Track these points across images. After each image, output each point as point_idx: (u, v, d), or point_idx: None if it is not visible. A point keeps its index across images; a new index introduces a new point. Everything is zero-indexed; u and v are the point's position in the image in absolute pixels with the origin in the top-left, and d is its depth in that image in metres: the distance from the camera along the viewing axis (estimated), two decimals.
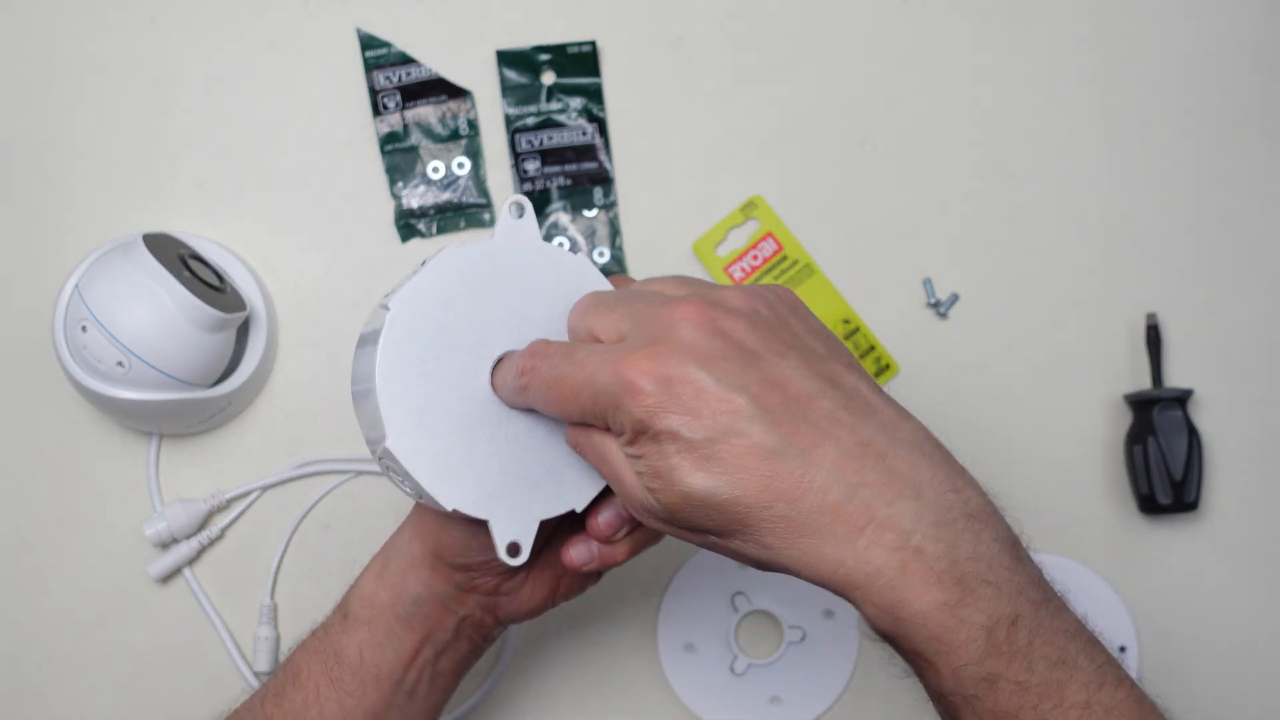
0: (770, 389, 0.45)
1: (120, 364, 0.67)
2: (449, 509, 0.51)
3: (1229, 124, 0.80)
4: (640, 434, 0.45)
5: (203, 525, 0.75)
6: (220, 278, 0.72)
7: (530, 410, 0.52)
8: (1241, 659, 0.78)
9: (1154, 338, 0.77)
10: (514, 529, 0.52)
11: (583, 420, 0.48)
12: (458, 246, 0.52)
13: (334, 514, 0.77)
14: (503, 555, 0.52)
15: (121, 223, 0.76)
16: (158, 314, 0.67)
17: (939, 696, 0.47)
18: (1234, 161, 0.80)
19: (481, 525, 0.52)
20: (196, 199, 0.77)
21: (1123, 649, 0.77)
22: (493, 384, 0.52)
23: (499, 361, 0.52)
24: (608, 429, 0.47)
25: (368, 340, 0.52)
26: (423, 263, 0.53)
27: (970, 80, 0.80)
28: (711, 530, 0.46)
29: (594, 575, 0.61)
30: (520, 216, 0.53)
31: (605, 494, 0.53)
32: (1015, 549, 0.48)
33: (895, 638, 0.45)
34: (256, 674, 0.75)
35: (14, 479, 0.76)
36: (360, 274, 0.77)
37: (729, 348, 0.45)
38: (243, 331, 0.74)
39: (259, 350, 0.74)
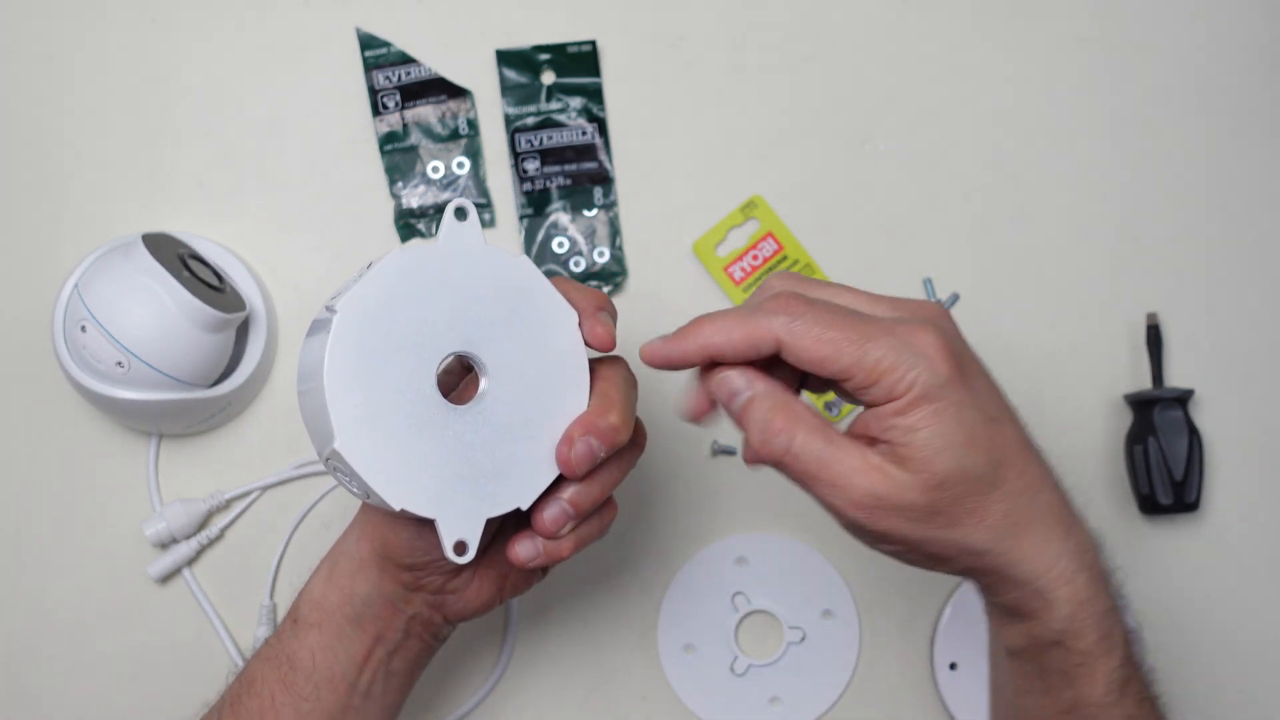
0: (1003, 399, 0.51)
1: (120, 364, 0.67)
2: (396, 509, 0.52)
3: (1229, 124, 0.80)
4: (923, 399, 0.48)
5: (202, 525, 0.75)
6: (220, 278, 0.72)
7: (475, 408, 0.53)
8: (1241, 659, 0.78)
9: (1154, 338, 0.77)
10: (461, 528, 0.53)
11: (840, 375, 0.49)
12: (402, 249, 0.53)
13: (334, 514, 0.77)
14: (450, 554, 0.52)
15: (121, 223, 0.76)
16: (157, 314, 0.67)
17: (1077, 708, 0.51)
18: (1234, 162, 0.80)
19: (428, 524, 0.53)
20: (196, 199, 0.77)
21: None
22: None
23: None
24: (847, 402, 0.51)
25: (315, 342, 0.52)
26: (369, 265, 0.53)
27: (970, 80, 0.80)
28: (942, 516, 0.49)
29: (540, 571, 0.62)
30: (464, 220, 0.54)
31: (548, 490, 0.54)
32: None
33: (1074, 637, 0.50)
34: None
35: (14, 479, 0.76)
36: None
37: (971, 357, 0.51)
38: (243, 331, 0.74)
39: (259, 350, 0.74)
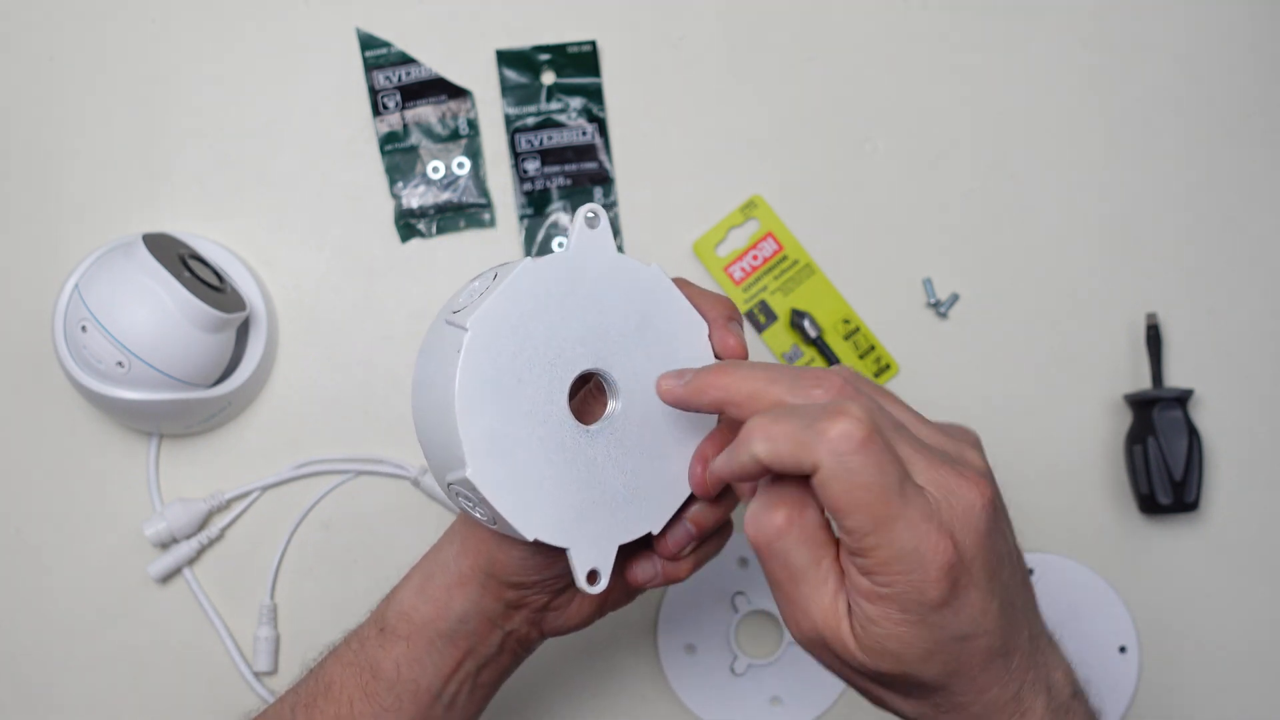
0: (1006, 607, 0.47)
1: (120, 364, 0.67)
2: (530, 539, 0.49)
3: (1230, 124, 0.80)
4: (897, 606, 0.44)
5: (203, 525, 0.75)
6: (220, 278, 0.72)
7: (606, 429, 0.50)
8: (1241, 659, 0.78)
9: (1154, 337, 0.77)
10: (593, 556, 0.50)
11: (840, 530, 0.45)
12: (534, 259, 0.49)
13: (334, 514, 0.77)
14: (582, 585, 0.50)
15: (121, 223, 0.76)
16: (158, 314, 0.67)
17: None
18: (1234, 162, 0.80)
19: (548, 548, 0.50)
20: (196, 199, 0.77)
21: (1123, 649, 0.77)
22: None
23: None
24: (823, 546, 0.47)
25: (438, 361, 0.49)
26: (494, 275, 0.50)
27: (970, 80, 0.80)
28: (878, 689, 0.48)
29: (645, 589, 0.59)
30: (595, 227, 0.51)
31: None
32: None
33: None
34: (256, 674, 0.75)
35: (14, 479, 0.76)
36: (360, 274, 0.77)
37: (1000, 553, 0.47)
38: (243, 331, 0.74)
39: (259, 350, 0.74)
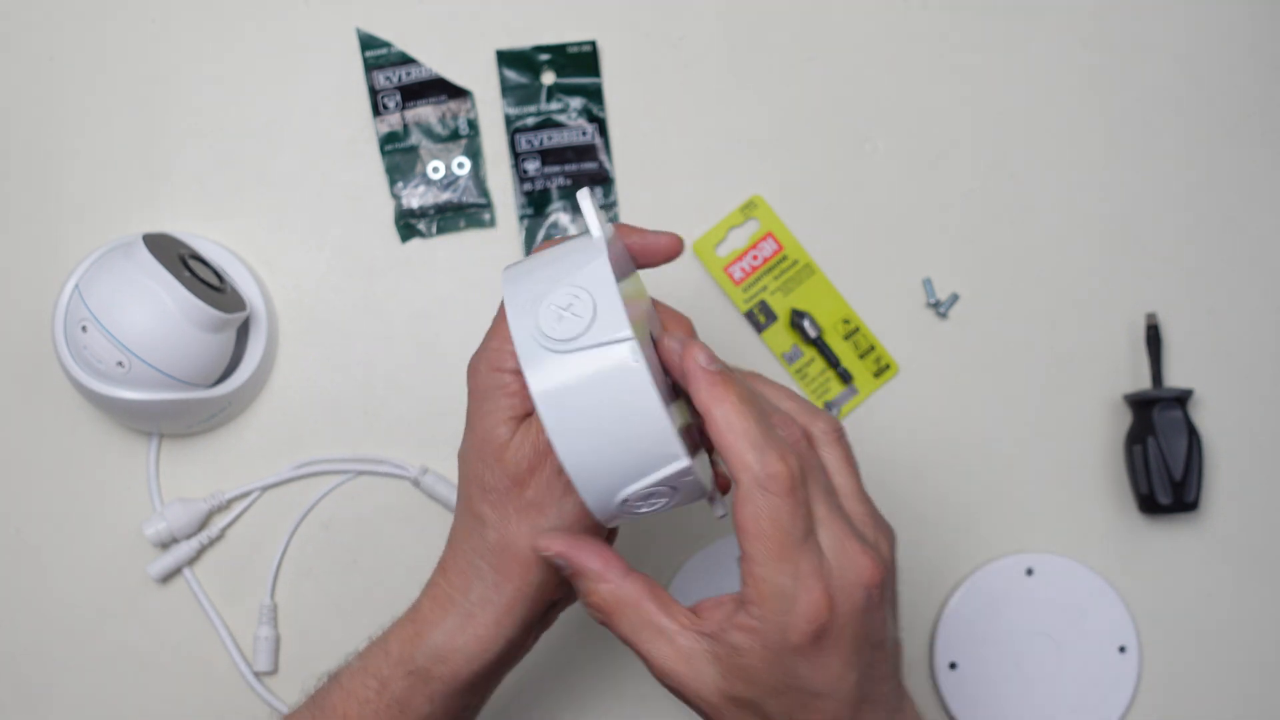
0: (865, 684, 0.50)
1: (120, 364, 0.67)
2: (709, 490, 0.52)
3: (1229, 125, 0.80)
4: (760, 640, 0.49)
5: (203, 525, 0.75)
6: (220, 278, 0.72)
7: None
8: (1241, 659, 0.78)
9: (1154, 338, 0.77)
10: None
11: (741, 550, 0.49)
12: (597, 246, 0.51)
13: (334, 514, 0.77)
14: (719, 511, 0.54)
15: (121, 223, 0.76)
16: (158, 314, 0.67)
17: None
18: (1234, 162, 0.80)
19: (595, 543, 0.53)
20: (196, 199, 0.77)
21: (1123, 649, 0.77)
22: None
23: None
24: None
25: (604, 385, 0.49)
26: (577, 259, 0.51)
27: (970, 80, 0.80)
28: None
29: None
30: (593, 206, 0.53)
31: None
32: None
33: None
34: (257, 674, 0.75)
35: (14, 479, 0.76)
36: (360, 274, 0.77)
37: (871, 635, 0.50)
38: (243, 331, 0.74)
39: (259, 350, 0.74)
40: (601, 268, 0.50)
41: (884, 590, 0.50)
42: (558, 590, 0.57)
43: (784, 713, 0.50)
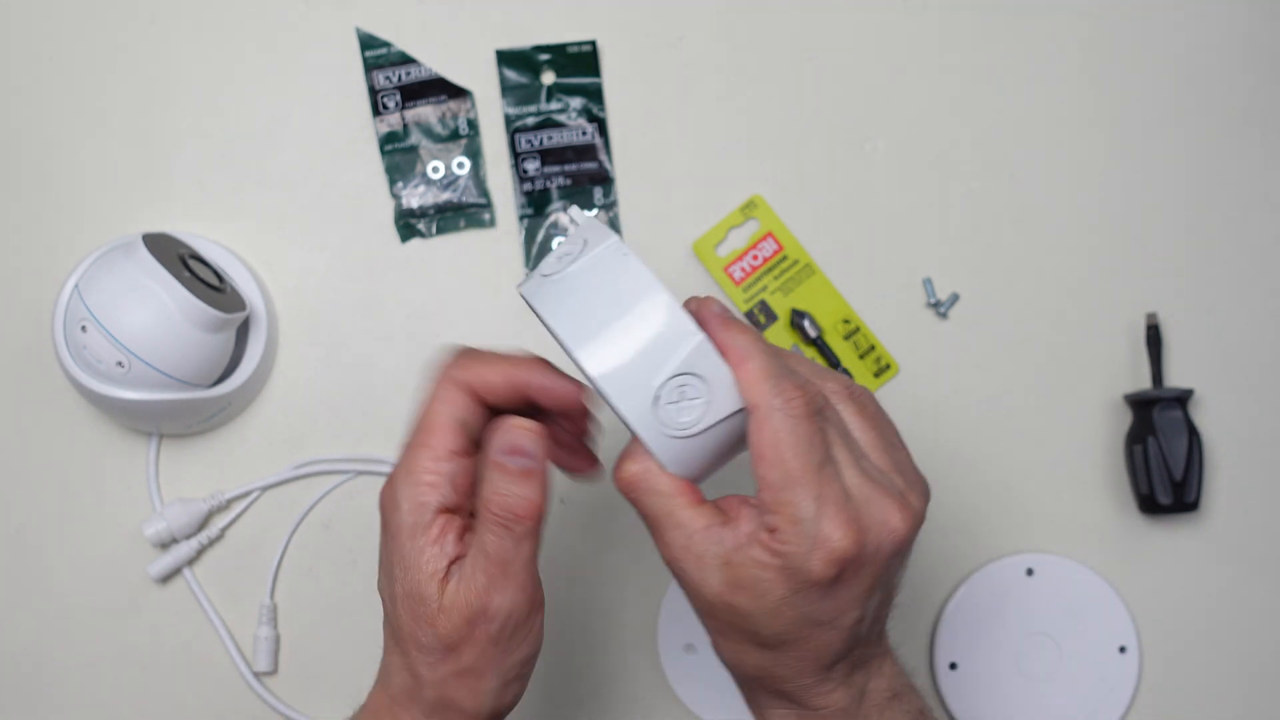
0: (867, 621, 0.51)
1: (120, 364, 0.67)
2: (741, 406, 0.50)
3: (1229, 125, 0.80)
4: (779, 563, 0.48)
5: (203, 525, 0.75)
6: (220, 278, 0.72)
7: None
8: (1242, 659, 0.78)
9: (1154, 338, 0.77)
10: None
11: (759, 481, 0.49)
12: (618, 239, 0.51)
13: (334, 514, 0.77)
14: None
15: (121, 223, 0.77)
16: (158, 314, 0.67)
17: None
18: (1234, 161, 0.80)
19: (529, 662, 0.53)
20: (196, 199, 0.77)
21: (1123, 649, 0.77)
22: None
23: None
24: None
25: (599, 285, 0.50)
26: (583, 241, 0.51)
27: (970, 80, 0.80)
28: (728, 630, 0.52)
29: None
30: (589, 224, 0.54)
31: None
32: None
33: None
34: (256, 674, 0.75)
35: (14, 479, 0.76)
36: (360, 274, 0.77)
37: (889, 579, 0.51)
38: (243, 331, 0.74)
39: (259, 350, 0.74)
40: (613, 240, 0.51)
41: (909, 539, 0.50)
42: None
43: (777, 632, 0.50)
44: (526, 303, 0.52)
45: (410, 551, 0.51)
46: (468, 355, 0.53)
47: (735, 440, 0.52)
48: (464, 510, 0.52)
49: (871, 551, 0.48)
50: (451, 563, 0.51)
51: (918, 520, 0.50)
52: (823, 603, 0.49)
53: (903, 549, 0.50)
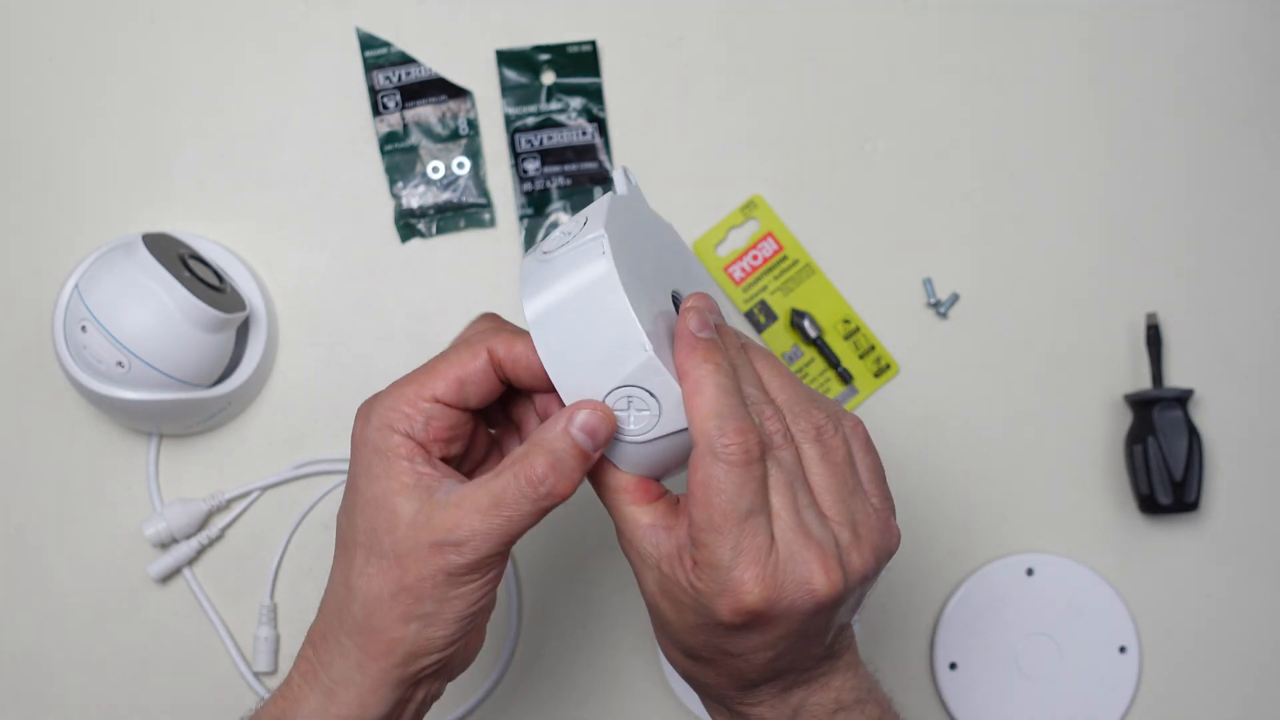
0: (781, 661, 0.51)
1: (120, 364, 0.67)
2: (685, 426, 0.50)
3: (1229, 125, 0.80)
4: (716, 617, 0.49)
5: (203, 525, 0.75)
6: (220, 278, 0.72)
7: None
8: (1242, 659, 0.78)
9: (1154, 338, 0.77)
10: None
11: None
12: (611, 195, 0.53)
13: (334, 514, 0.76)
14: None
15: (121, 223, 0.77)
16: (158, 314, 0.67)
17: None
18: (1234, 161, 0.80)
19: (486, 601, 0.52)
20: (196, 199, 0.77)
21: (1123, 649, 0.77)
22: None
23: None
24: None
25: (575, 276, 0.50)
26: (584, 220, 0.52)
27: (970, 80, 0.80)
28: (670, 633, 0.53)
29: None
30: (632, 181, 0.55)
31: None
32: None
33: None
34: (256, 674, 0.75)
35: (14, 479, 0.76)
36: (360, 274, 0.77)
37: (807, 633, 0.50)
38: (243, 331, 0.74)
39: (259, 350, 0.74)
40: (610, 199, 0.52)
41: (831, 602, 0.48)
42: (432, 674, 0.53)
43: (693, 647, 0.51)
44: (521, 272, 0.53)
45: (377, 463, 0.51)
46: (506, 328, 0.54)
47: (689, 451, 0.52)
48: (427, 451, 0.52)
49: (784, 609, 0.48)
50: (416, 489, 0.51)
51: (850, 580, 0.49)
52: (731, 640, 0.49)
53: (824, 609, 0.48)
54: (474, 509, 0.50)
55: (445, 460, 0.53)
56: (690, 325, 0.50)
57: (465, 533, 0.50)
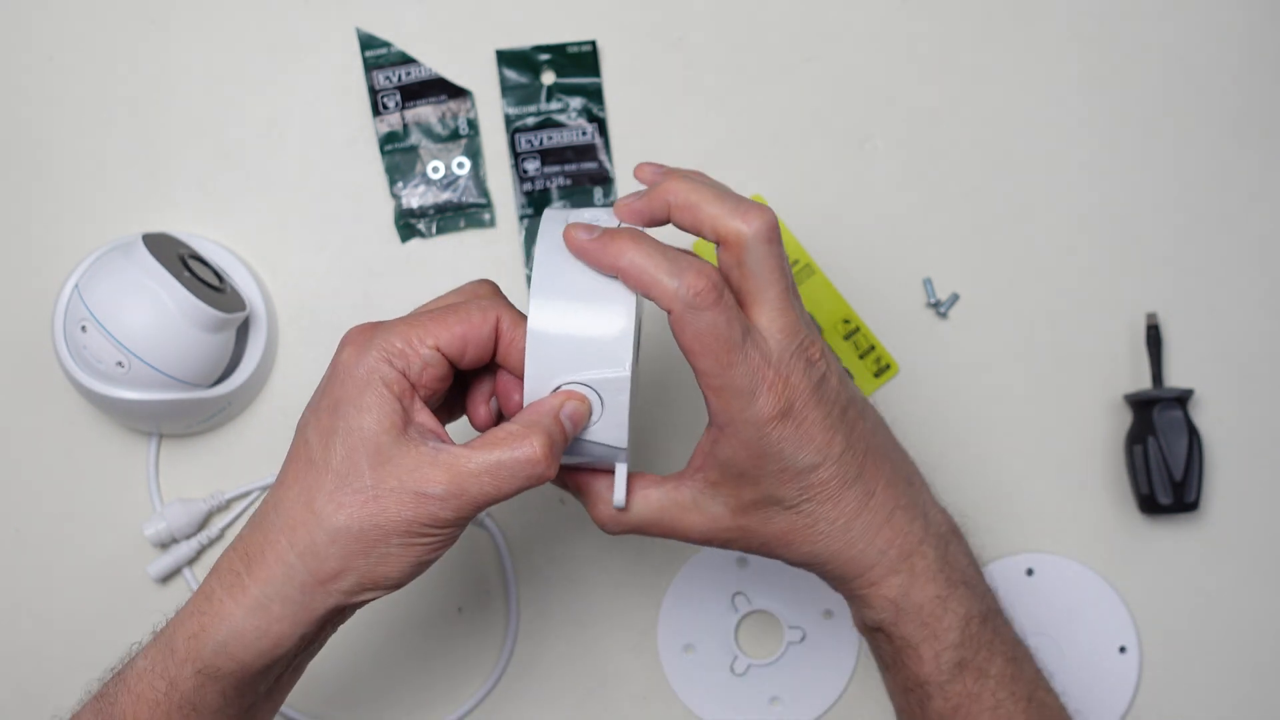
0: (854, 442, 0.56)
1: (120, 364, 0.67)
2: (625, 451, 0.55)
3: (1229, 124, 0.80)
4: (729, 428, 0.53)
5: (202, 525, 0.75)
6: (220, 278, 0.72)
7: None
8: (1242, 659, 0.78)
9: (1154, 338, 0.77)
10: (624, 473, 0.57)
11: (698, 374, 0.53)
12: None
13: None
14: (620, 500, 0.56)
15: (121, 223, 0.77)
16: (158, 314, 0.67)
17: (914, 685, 0.58)
18: (1234, 161, 0.80)
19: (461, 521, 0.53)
20: (196, 199, 0.77)
21: (1123, 649, 0.77)
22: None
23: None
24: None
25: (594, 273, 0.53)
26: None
27: (970, 80, 0.80)
28: (738, 519, 0.57)
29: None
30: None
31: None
32: (978, 564, 0.61)
33: (892, 625, 0.57)
34: None
35: (14, 479, 0.76)
36: (360, 274, 0.77)
37: (834, 397, 0.55)
38: (243, 331, 0.74)
39: (259, 350, 0.74)
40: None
41: (776, 241, 0.53)
42: (361, 598, 0.53)
43: (795, 496, 0.55)
44: (540, 226, 0.55)
45: (369, 395, 0.52)
46: (511, 306, 0.56)
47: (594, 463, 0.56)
48: (414, 395, 0.53)
49: (797, 380, 0.54)
50: (403, 428, 0.52)
51: (771, 223, 0.53)
52: (800, 446, 0.54)
53: (811, 370, 0.54)
54: (467, 473, 0.51)
55: None
56: (580, 237, 0.53)
57: (453, 490, 0.51)
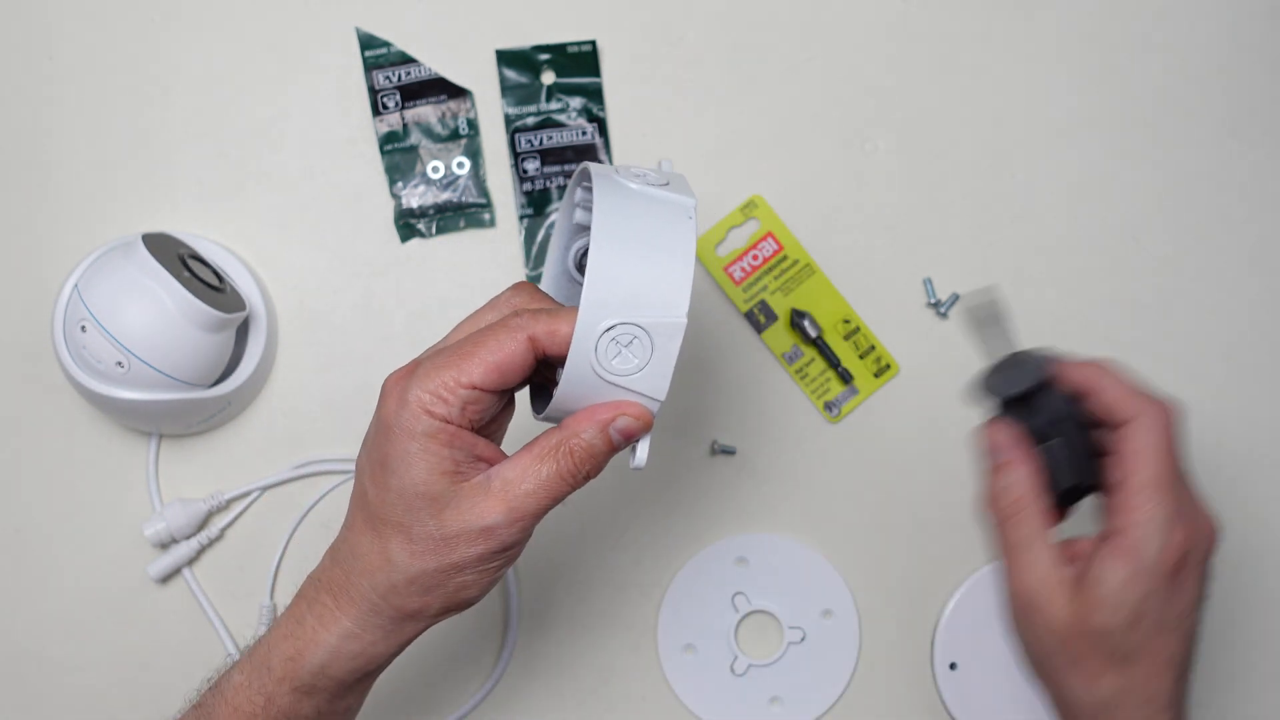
0: (1193, 630, 0.56)
1: (120, 364, 0.67)
2: (663, 399, 0.53)
3: (1230, 123, 0.80)
4: (1132, 561, 0.53)
5: (202, 525, 0.75)
6: (220, 278, 0.72)
7: None
8: (1241, 659, 0.78)
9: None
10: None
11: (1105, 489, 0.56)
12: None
13: (334, 514, 0.76)
14: (641, 460, 0.54)
15: (121, 223, 0.77)
16: (157, 314, 0.67)
17: None
18: (1235, 161, 0.80)
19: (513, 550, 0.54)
20: (196, 199, 0.77)
21: None
22: None
23: None
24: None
25: (656, 219, 0.53)
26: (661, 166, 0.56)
27: (970, 79, 0.80)
28: (1063, 657, 0.56)
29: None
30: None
31: None
32: None
33: None
34: None
35: (14, 479, 0.76)
36: (360, 274, 0.77)
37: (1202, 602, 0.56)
38: (243, 331, 0.74)
39: (259, 350, 0.74)
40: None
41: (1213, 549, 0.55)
42: (447, 617, 0.56)
43: (1133, 647, 0.53)
44: (591, 179, 0.54)
45: (414, 449, 0.52)
46: (544, 309, 0.54)
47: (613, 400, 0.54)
48: (462, 429, 0.53)
49: (1203, 549, 0.54)
50: (454, 474, 0.52)
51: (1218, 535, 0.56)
52: (1172, 601, 0.53)
53: (1210, 553, 0.55)
54: (521, 494, 0.52)
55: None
56: (1096, 369, 0.57)
57: (512, 516, 0.52)
